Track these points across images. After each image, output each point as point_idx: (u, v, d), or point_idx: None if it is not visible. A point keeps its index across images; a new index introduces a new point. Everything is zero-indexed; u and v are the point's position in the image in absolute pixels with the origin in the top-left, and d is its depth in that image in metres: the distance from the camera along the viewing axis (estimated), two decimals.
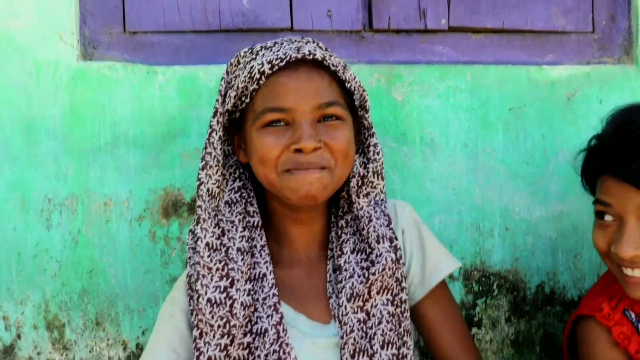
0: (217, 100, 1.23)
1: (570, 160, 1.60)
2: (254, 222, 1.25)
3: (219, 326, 1.17)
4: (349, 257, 1.25)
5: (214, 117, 1.22)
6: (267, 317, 1.20)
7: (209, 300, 1.17)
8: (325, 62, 1.18)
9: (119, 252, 1.44)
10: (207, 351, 1.17)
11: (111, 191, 1.44)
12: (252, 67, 1.18)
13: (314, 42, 1.24)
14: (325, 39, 1.53)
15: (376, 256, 1.23)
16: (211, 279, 1.19)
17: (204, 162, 1.22)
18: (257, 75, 1.17)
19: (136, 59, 1.47)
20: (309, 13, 1.53)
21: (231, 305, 1.18)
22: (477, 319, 1.58)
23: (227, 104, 1.21)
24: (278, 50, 1.18)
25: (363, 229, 1.25)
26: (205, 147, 1.22)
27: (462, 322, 1.33)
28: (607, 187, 1.22)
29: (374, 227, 1.25)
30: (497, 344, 1.60)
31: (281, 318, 1.20)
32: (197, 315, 1.18)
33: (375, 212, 1.28)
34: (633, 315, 1.27)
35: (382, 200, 1.31)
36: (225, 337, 1.17)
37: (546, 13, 1.62)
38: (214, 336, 1.17)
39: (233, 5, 1.51)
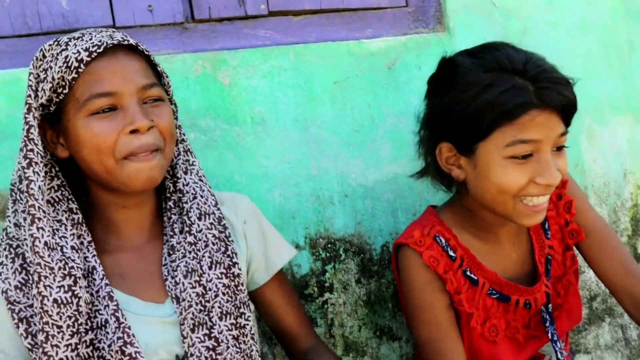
0: (29, 96, 1.21)
1: (398, 125, 1.72)
2: (78, 218, 1.25)
3: (68, 326, 1.16)
4: (179, 238, 1.29)
5: (28, 112, 1.20)
6: (105, 307, 1.20)
7: (55, 300, 1.16)
8: (139, 47, 1.24)
9: None
10: (57, 354, 1.15)
11: None
12: (67, 57, 1.18)
13: (119, 31, 1.27)
14: (149, 33, 1.58)
15: (196, 232, 1.29)
16: (54, 279, 1.17)
17: (27, 160, 1.19)
18: (75, 64, 1.17)
19: None
20: (130, 9, 1.58)
21: (77, 304, 1.18)
22: (328, 284, 1.66)
23: (41, 98, 1.20)
24: (91, 39, 1.20)
25: (187, 203, 1.30)
26: (26, 145, 1.20)
27: (299, 304, 1.45)
28: (531, 124, 1.23)
29: (198, 204, 1.30)
30: (351, 305, 1.68)
31: (117, 305, 1.21)
32: (41, 319, 1.16)
33: (202, 190, 1.33)
34: (443, 241, 1.39)
35: (204, 176, 1.36)
36: (75, 336, 1.17)
37: None
38: (62, 338, 1.16)
39: (52, 7, 1.54)
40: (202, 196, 1.32)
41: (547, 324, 1.41)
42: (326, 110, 1.66)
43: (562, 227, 1.49)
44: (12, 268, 1.21)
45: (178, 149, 1.33)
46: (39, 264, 1.16)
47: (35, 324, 1.18)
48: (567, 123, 1.29)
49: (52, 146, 1.25)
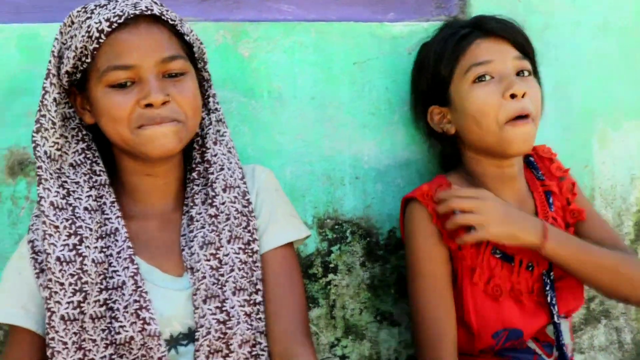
0: (50, 61, 1.22)
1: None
2: (101, 180, 1.26)
3: (70, 284, 1.16)
4: (199, 209, 1.28)
5: (46, 78, 1.22)
6: (123, 269, 1.21)
7: (57, 258, 1.16)
8: (163, 17, 1.21)
9: None
10: (59, 310, 1.16)
11: None
12: (89, 26, 1.18)
13: None
14: None
15: (220, 204, 1.27)
16: (59, 238, 1.17)
17: (38, 125, 1.21)
18: (96, 34, 1.17)
19: None
20: None
21: (82, 262, 1.17)
22: (332, 265, 1.65)
23: (66, 65, 1.21)
24: (114, 8, 1.19)
25: (212, 174, 1.28)
26: (39, 110, 1.21)
27: (297, 293, 1.30)
28: (479, 50, 1.43)
29: (224, 176, 1.28)
30: (354, 288, 1.67)
31: (137, 269, 1.21)
32: (46, 276, 1.17)
33: (230, 162, 1.31)
34: None
35: (234, 147, 1.34)
36: (78, 294, 1.17)
37: None
38: (64, 295, 1.16)
39: None
40: (229, 168, 1.30)
41: (548, 288, 1.43)
42: (344, 90, 1.65)
43: (564, 206, 1.54)
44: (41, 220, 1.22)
45: (210, 118, 1.31)
46: (44, 222, 1.18)
47: None
48: (523, 51, 1.46)
49: (82, 112, 1.26)
